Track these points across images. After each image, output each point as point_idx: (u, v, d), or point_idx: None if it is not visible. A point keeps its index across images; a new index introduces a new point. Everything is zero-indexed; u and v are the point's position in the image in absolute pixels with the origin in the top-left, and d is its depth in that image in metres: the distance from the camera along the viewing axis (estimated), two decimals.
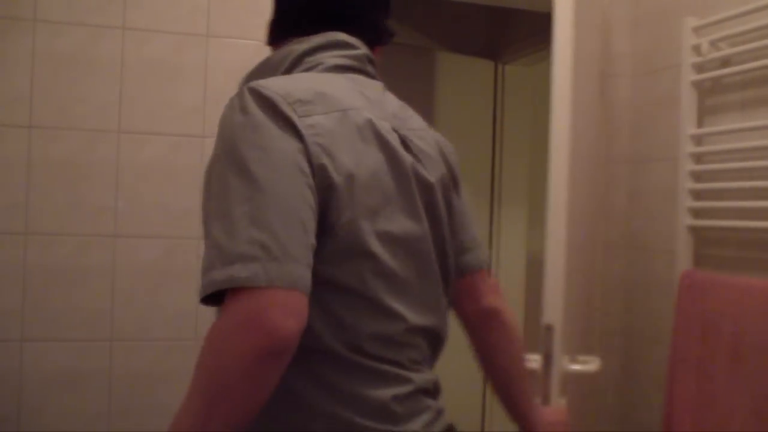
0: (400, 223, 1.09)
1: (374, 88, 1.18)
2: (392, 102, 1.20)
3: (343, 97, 1.08)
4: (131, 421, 1.99)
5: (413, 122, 1.21)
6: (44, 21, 1.95)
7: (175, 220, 2.02)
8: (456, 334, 3.83)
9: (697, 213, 1.96)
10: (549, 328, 1.53)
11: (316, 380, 1.03)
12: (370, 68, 1.22)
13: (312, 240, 0.96)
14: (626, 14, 2.33)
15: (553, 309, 1.53)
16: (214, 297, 0.93)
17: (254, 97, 1.01)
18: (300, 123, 1.00)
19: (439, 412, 1.16)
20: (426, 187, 1.15)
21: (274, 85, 1.03)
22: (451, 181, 1.25)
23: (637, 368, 2.25)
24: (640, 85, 2.28)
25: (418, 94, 3.33)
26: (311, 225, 0.97)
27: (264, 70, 1.16)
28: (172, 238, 2.02)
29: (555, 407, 1.49)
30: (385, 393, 1.06)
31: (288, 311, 0.90)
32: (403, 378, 1.10)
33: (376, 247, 1.05)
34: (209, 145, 2.03)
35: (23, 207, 1.94)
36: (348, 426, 1.03)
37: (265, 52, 1.24)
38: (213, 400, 0.90)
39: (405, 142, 1.14)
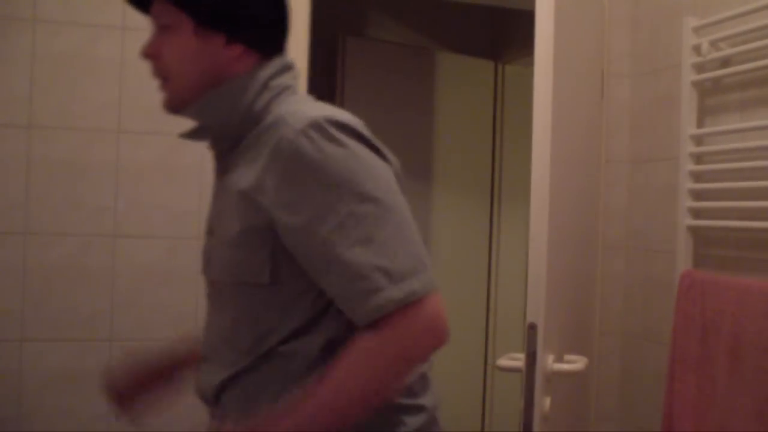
0: None
1: None
2: None
3: None
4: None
5: None
6: (43, 21, 1.95)
7: (175, 220, 2.02)
8: (457, 336, 3.82)
9: (697, 213, 1.95)
10: (532, 327, 1.53)
11: None
12: None
13: None
14: (626, 14, 2.33)
15: (536, 308, 1.54)
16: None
17: (337, 128, 1.06)
18: (377, 144, 1.10)
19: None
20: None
21: (340, 114, 1.08)
22: None
23: (637, 368, 2.25)
24: (640, 85, 2.28)
25: (418, 94, 3.33)
26: None
27: (229, 93, 1.15)
28: (172, 238, 2.02)
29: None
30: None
31: (444, 310, 1.04)
32: None
33: None
34: None
35: (23, 207, 1.94)
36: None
37: None
38: (361, 400, 1.04)
39: None
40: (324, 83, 3.22)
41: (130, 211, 2.00)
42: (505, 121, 3.54)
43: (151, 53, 1.18)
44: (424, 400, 1.18)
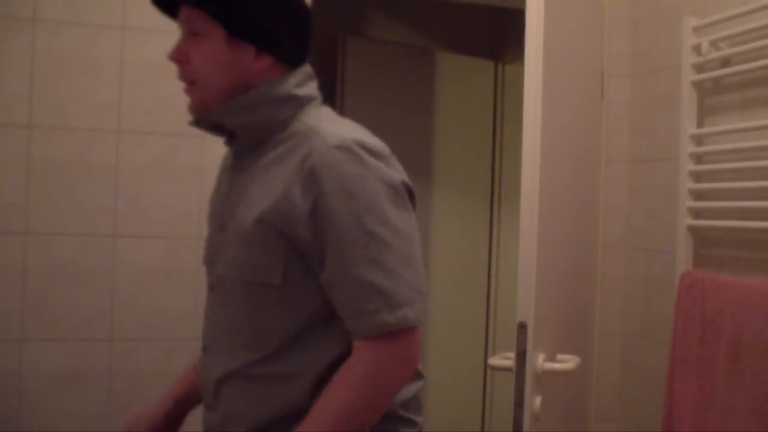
0: None
1: None
2: None
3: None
4: None
5: None
6: (44, 20, 1.95)
7: (175, 220, 2.02)
8: (457, 336, 3.78)
9: (697, 213, 1.95)
10: (522, 326, 1.53)
11: None
12: None
13: None
14: (626, 14, 2.33)
15: (526, 306, 1.54)
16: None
17: (366, 150, 1.12)
18: (398, 168, 1.17)
19: None
20: None
21: (368, 137, 1.16)
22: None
23: (637, 368, 2.25)
24: (640, 85, 2.28)
25: (418, 94, 3.33)
26: None
27: (258, 100, 1.20)
28: (172, 238, 2.02)
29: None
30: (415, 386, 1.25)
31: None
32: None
33: None
34: (209, 145, 2.03)
35: (23, 207, 1.94)
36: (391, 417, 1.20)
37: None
38: (356, 423, 1.10)
39: None
40: (324, 83, 3.21)
41: (130, 211, 2.00)
42: (505, 121, 3.54)
43: (179, 57, 1.21)
44: (418, 418, 1.25)
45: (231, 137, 1.27)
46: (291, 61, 1.23)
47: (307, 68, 1.26)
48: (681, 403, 1.84)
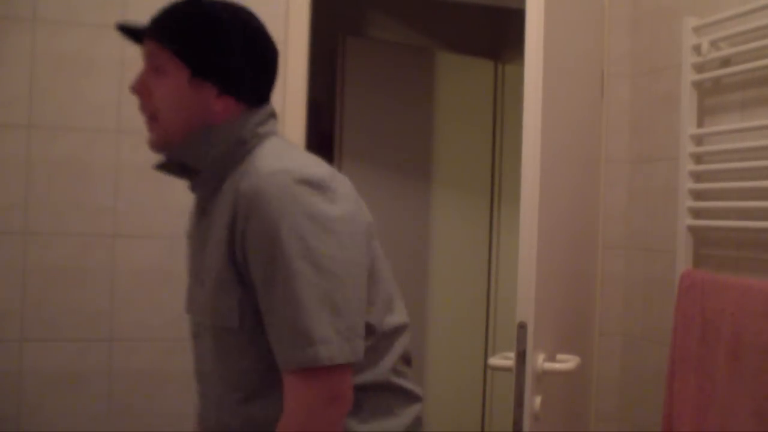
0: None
1: None
2: None
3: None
4: (131, 421, 1.99)
5: None
6: (43, 21, 1.95)
7: (175, 220, 2.02)
8: (457, 336, 3.78)
9: (697, 213, 1.95)
10: (522, 326, 1.53)
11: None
12: None
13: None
14: (626, 14, 2.33)
15: (526, 307, 1.55)
16: None
17: (303, 183, 1.08)
18: (346, 199, 1.14)
19: None
20: None
21: (309, 167, 1.12)
22: None
23: (637, 368, 2.25)
24: (640, 85, 2.28)
25: (418, 94, 3.33)
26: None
27: (219, 137, 1.19)
28: (172, 238, 2.02)
29: None
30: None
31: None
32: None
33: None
34: None
35: (23, 207, 1.94)
36: None
37: None
38: None
39: None
40: (324, 83, 3.22)
41: (130, 211, 2.00)
42: (505, 121, 3.54)
43: (141, 91, 1.23)
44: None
45: (193, 181, 1.26)
46: (253, 101, 1.23)
47: (269, 108, 1.25)
48: (681, 403, 1.84)
